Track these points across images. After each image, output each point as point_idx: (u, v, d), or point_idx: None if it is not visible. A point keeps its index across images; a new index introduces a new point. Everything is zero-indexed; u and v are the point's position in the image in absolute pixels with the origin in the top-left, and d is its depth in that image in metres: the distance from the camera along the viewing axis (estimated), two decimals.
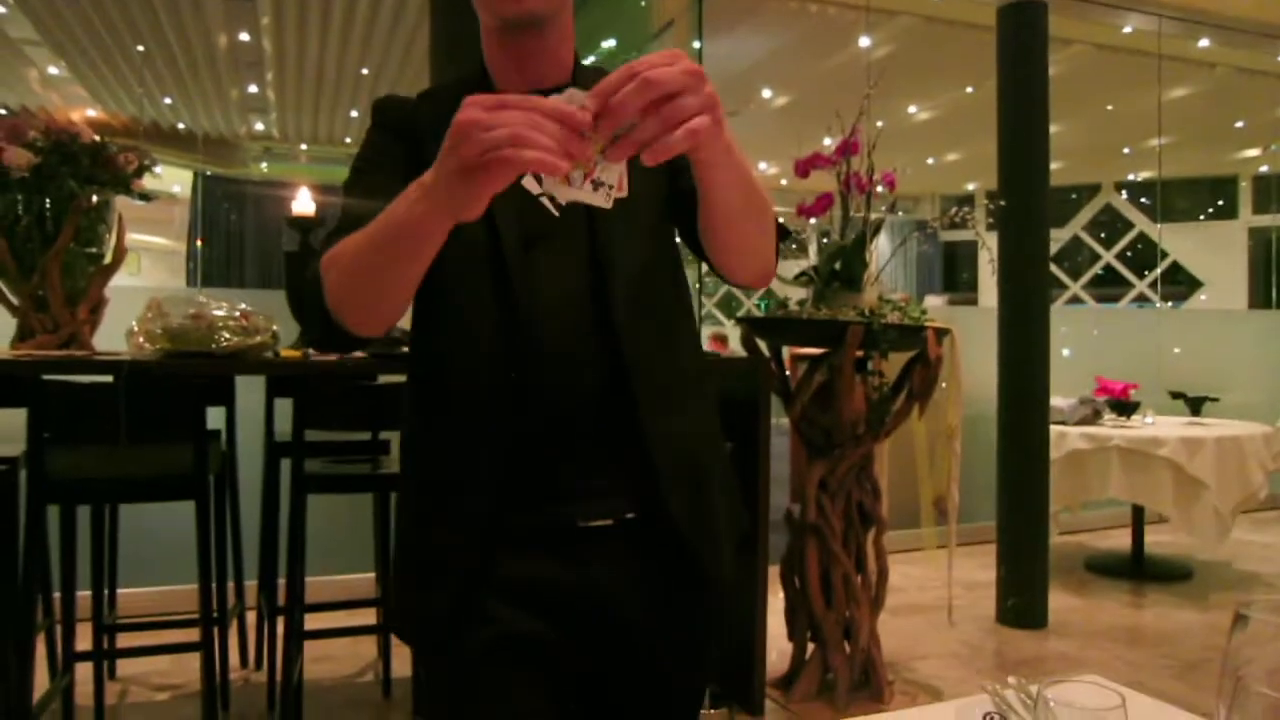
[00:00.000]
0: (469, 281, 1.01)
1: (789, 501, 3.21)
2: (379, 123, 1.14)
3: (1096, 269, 11.86)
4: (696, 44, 4.47)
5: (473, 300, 1.02)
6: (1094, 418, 4.44)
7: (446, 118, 0.92)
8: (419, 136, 1.07)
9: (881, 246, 3.48)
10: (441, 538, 1.04)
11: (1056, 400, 4.15)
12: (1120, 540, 4.94)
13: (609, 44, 5.62)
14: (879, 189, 2.91)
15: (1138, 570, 4.53)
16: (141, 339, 2.28)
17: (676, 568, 1.06)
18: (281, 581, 2.58)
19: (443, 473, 1.04)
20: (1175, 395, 5.01)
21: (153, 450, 2.26)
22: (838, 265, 2.85)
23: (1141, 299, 11.18)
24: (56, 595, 2.61)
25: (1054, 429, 4.03)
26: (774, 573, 2.84)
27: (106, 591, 2.80)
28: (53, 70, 7.86)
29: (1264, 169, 10.97)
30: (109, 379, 2.14)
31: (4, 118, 2.47)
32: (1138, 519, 4.56)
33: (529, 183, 0.77)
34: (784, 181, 11.43)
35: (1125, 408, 4.49)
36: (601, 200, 0.77)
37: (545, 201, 0.97)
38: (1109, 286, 11.67)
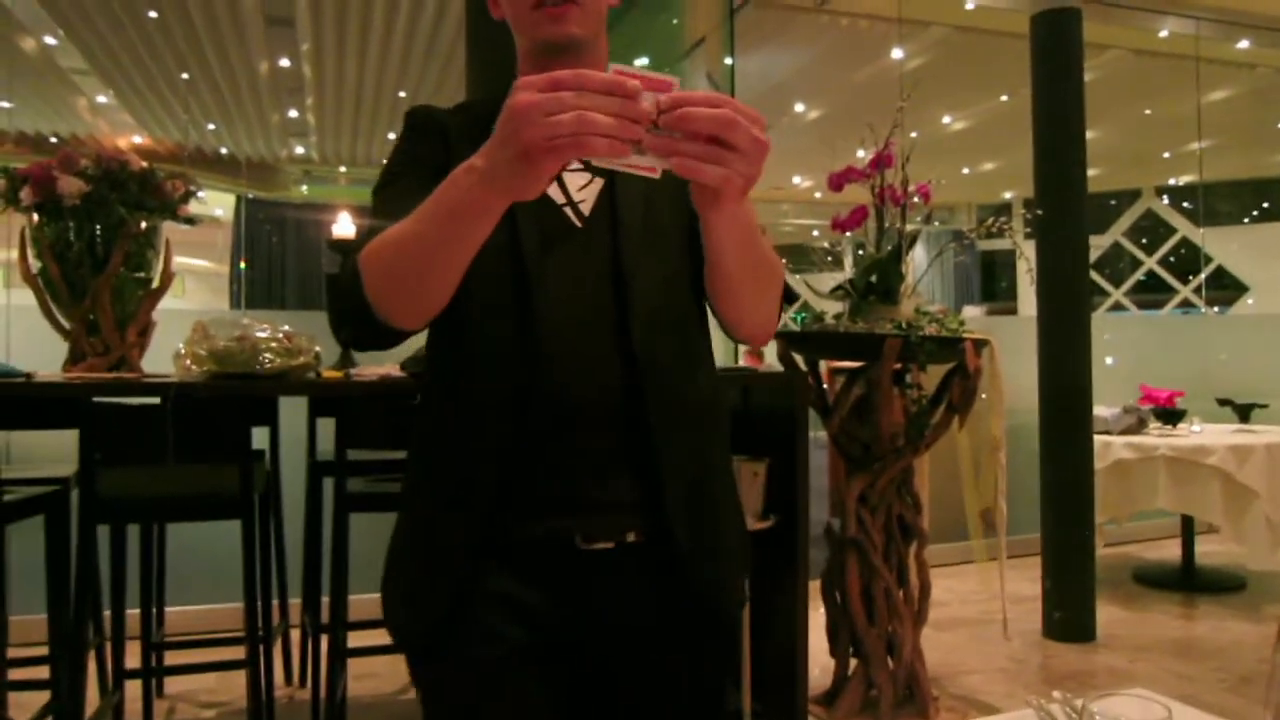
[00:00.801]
0: (487, 284, 1.00)
1: (828, 516, 3.19)
2: (412, 126, 1.14)
3: (1139, 275, 11.70)
4: (728, 60, 4.48)
5: (490, 303, 1.01)
6: (1139, 427, 4.36)
7: (481, 129, 0.93)
8: (450, 143, 1.09)
9: (918, 258, 3.46)
10: (440, 541, 1.03)
11: (1100, 409, 4.09)
12: (1169, 551, 4.85)
13: (641, 61, 5.66)
14: (914, 200, 2.90)
15: (1188, 582, 4.44)
16: (188, 361, 2.33)
17: (680, 598, 1.03)
18: (325, 599, 2.61)
19: (446, 476, 1.03)
20: (1223, 402, 4.92)
21: (199, 470, 2.31)
22: (874, 278, 2.84)
23: (1186, 305, 10.99)
24: (106, 614, 2.67)
25: (1098, 439, 3.97)
26: (814, 588, 2.82)
27: (155, 610, 2.85)
28: (101, 99, 8.07)
29: None
30: (157, 401, 2.19)
31: (58, 147, 2.54)
32: (1187, 529, 4.48)
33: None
34: (818, 195, 11.42)
35: (1171, 416, 4.42)
36: (648, 168, 0.76)
37: (576, 189, 1.06)
38: (1152, 293, 11.50)
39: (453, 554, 1.00)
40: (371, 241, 0.95)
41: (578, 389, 0.99)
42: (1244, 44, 6.23)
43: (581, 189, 1.08)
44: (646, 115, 0.74)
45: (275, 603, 2.86)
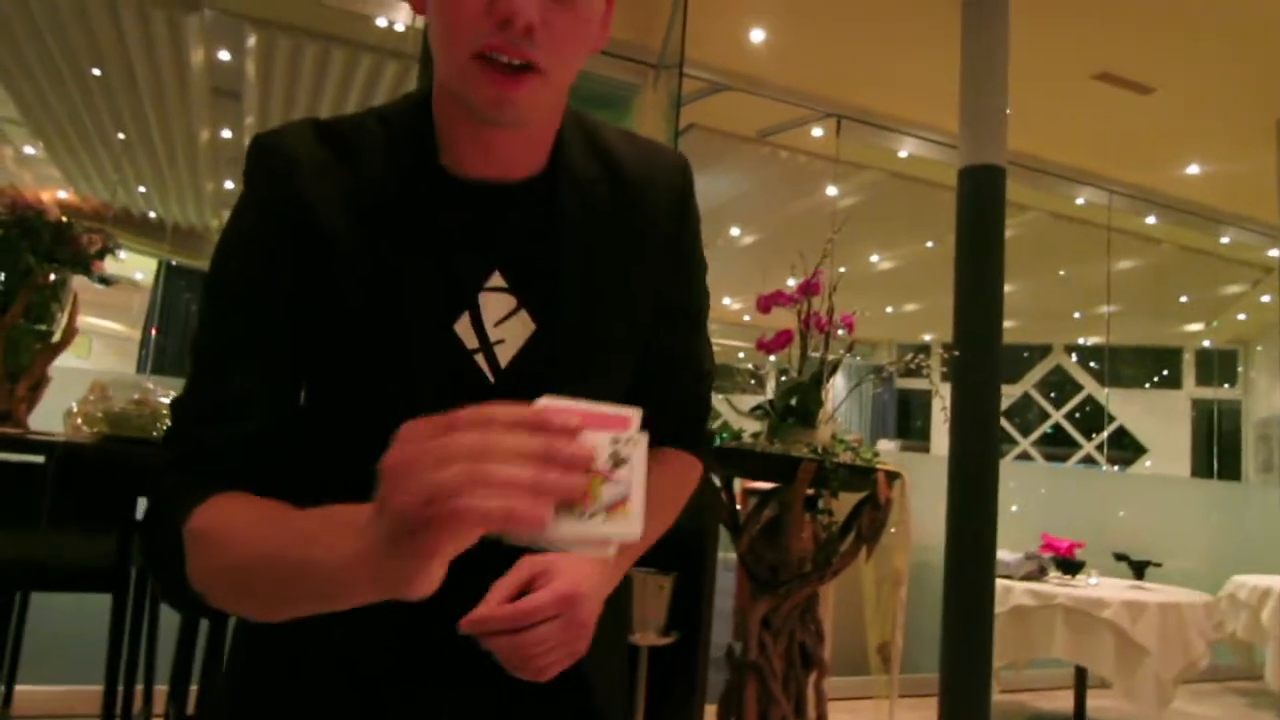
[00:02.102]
0: (366, 459, 0.64)
1: (731, 638, 3.14)
2: (259, 182, 0.83)
3: (1046, 427, 12.11)
4: None
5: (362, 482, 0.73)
6: (1039, 574, 4.43)
7: (359, 182, 0.79)
8: (310, 202, 0.80)
9: (838, 388, 3.52)
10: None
11: (1003, 554, 4.15)
12: (1063, 702, 4.87)
13: None
14: (839, 331, 2.96)
15: None
16: (80, 420, 2.22)
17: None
18: (194, 688, 2.44)
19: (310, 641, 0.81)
20: (1119, 557, 5.04)
21: (75, 537, 2.17)
22: (794, 401, 2.88)
23: (1088, 460, 11.38)
24: None
25: (1000, 583, 4.01)
26: (710, 712, 2.74)
27: (4, 687, 2.63)
28: (29, 150, 7.91)
29: (1206, 344, 11.39)
30: (40, 460, 2.07)
31: None
32: (1080, 681, 4.51)
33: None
34: (746, 317, 11.66)
35: (1070, 566, 4.50)
36: (607, 534, 0.55)
37: (492, 323, 0.83)
38: (1057, 445, 11.90)
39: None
40: (206, 517, 0.72)
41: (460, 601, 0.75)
42: (1152, 219, 6.64)
43: (501, 323, 0.85)
44: (587, 459, 0.53)
45: (139, 688, 2.66)
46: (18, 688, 2.74)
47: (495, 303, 0.84)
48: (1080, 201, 6.45)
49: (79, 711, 2.99)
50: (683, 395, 1.00)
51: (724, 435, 3.12)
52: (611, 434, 0.56)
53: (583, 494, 0.53)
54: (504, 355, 0.84)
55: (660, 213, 0.92)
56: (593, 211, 0.88)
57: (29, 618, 2.68)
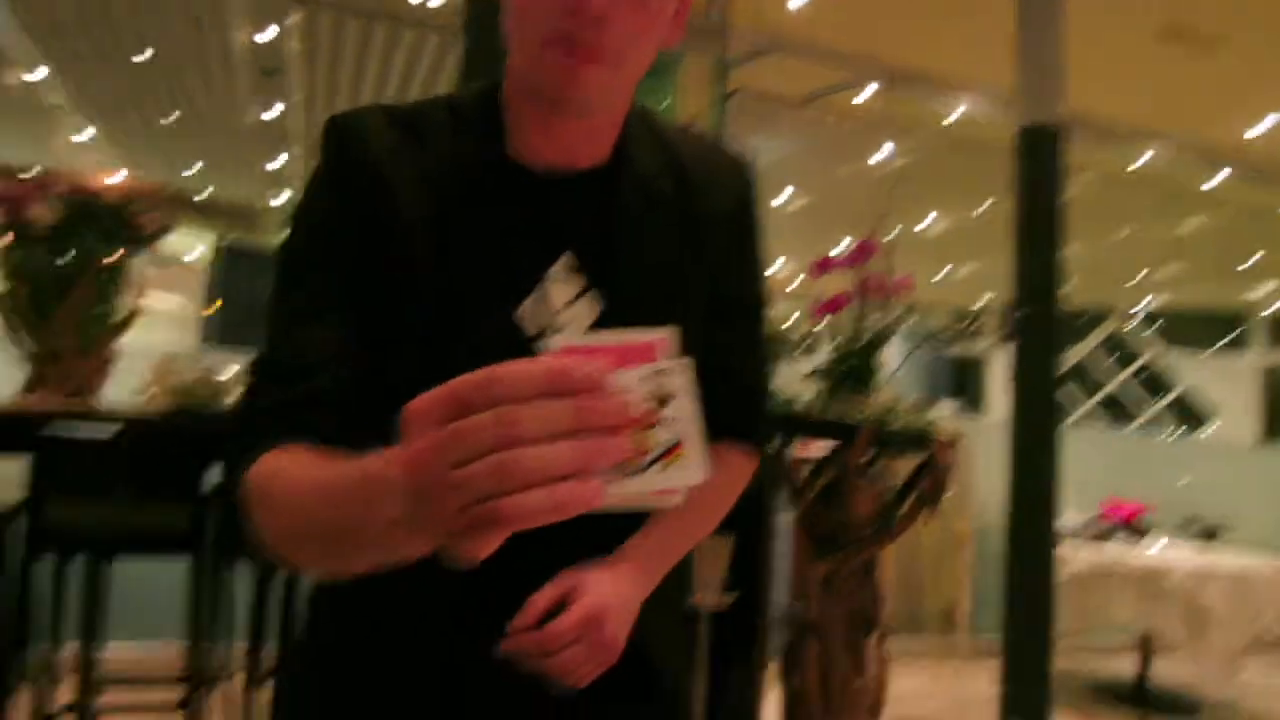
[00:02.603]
0: None
1: (790, 600, 3.14)
2: (332, 160, 0.86)
3: (1106, 392, 11.87)
4: None
5: None
6: (1102, 539, 4.37)
7: (430, 169, 0.83)
8: (384, 187, 0.83)
9: (892, 352, 3.48)
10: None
11: (1064, 519, 4.10)
12: (1127, 667, 4.81)
13: None
14: (894, 294, 2.93)
15: (1143, 700, 4.40)
16: (148, 395, 2.28)
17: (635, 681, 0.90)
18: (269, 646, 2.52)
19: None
20: (1186, 523, 4.94)
21: (151, 505, 2.24)
22: (850, 366, 2.85)
23: (1150, 425, 11.15)
24: (42, 647, 2.56)
25: (1061, 548, 3.96)
26: (770, 671, 2.75)
27: (93, 647, 2.73)
28: (84, 136, 8.07)
29: (1277, 305, 11.04)
30: (112, 432, 2.13)
31: (32, 176, 2.53)
32: (1145, 646, 4.45)
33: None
34: (797, 281, 11.56)
35: (1134, 531, 4.43)
36: (668, 485, 0.49)
37: (558, 305, 0.84)
38: (1118, 410, 11.66)
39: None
40: (267, 467, 0.73)
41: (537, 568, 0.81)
42: (1221, 177, 6.43)
43: (567, 307, 0.86)
44: (625, 413, 0.46)
45: (218, 647, 2.75)
46: (108, 643, 2.85)
47: (560, 287, 0.86)
48: (1143, 160, 6.27)
49: (162, 669, 3.09)
50: (740, 388, 0.98)
51: (776, 400, 3.11)
52: (647, 367, 0.49)
53: (630, 452, 0.46)
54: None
55: (721, 210, 0.94)
56: (654, 203, 0.90)
57: (113, 581, 2.79)
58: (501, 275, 0.84)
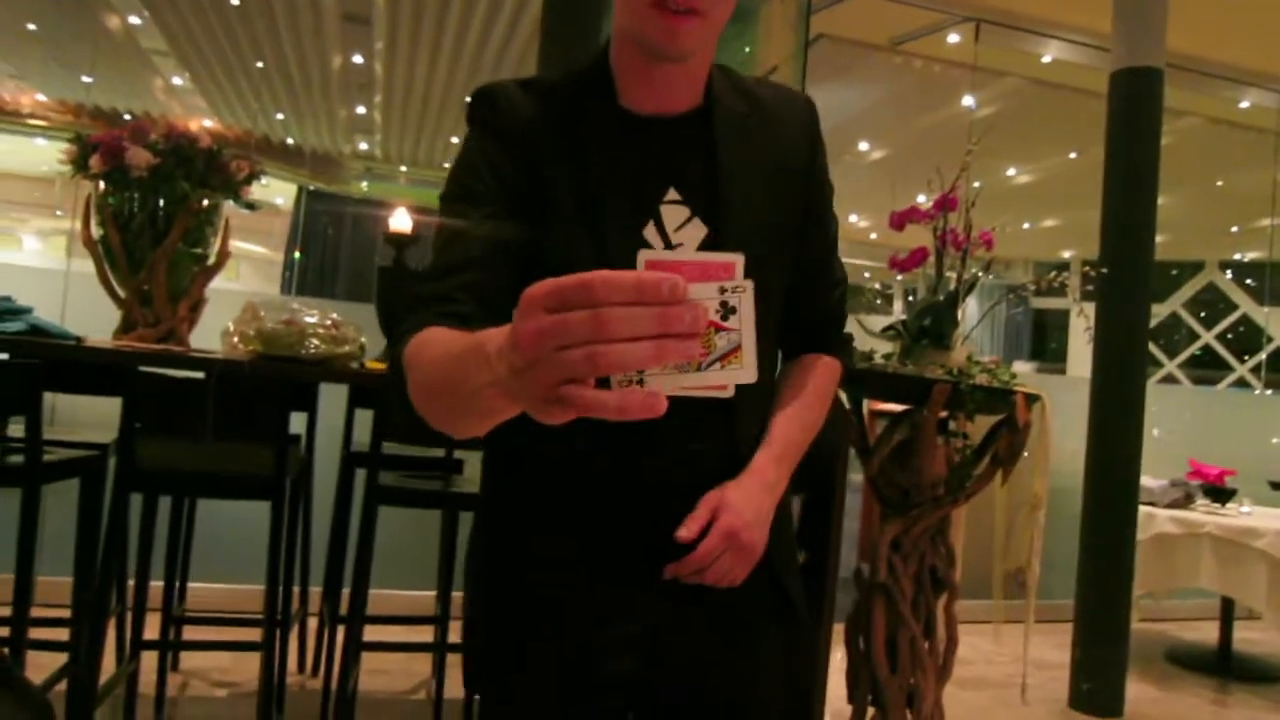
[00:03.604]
0: None
1: (858, 560, 3.13)
2: (480, 121, 1.07)
3: (1195, 349, 11.45)
4: None
5: None
6: (1185, 501, 4.24)
7: (560, 123, 1.00)
8: (526, 138, 1.03)
9: (971, 307, 3.40)
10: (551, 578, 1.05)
11: (1146, 480, 3.99)
12: (1207, 633, 4.70)
13: None
14: (976, 248, 2.85)
15: (1224, 667, 4.30)
16: (235, 339, 2.34)
17: (770, 604, 1.12)
18: (346, 591, 2.60)
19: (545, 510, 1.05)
20: (1276, 486, 4.77)
21: (236, 448, 2.31)
22: (928, 321, 2.79)
23: (1241, 383, 10.74)
24: (130, 583, 2.68)
25: (1142, 509, 3.86)
26: (838, 631, 2.76)
27: (178, 584, 2.86)
28: (177, 80, 8.25)
29: None
30: (201, 375, 2.20)
31: (129, 121, 2.59)
32: (1227, 612, 4.34)
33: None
34: (873, 235, 11.35)
35: (1220, 494, 4.29)
36: (717, 385, 0.60)
37: (673, 229, 1.00)
38: (1207, 368, 11.25)
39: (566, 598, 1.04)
40: (413, 342, 0.87)
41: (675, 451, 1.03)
42: None
43: (679, 229, 1.03)
44: (701, 321, 0.54)
45: (296, 589, 2.85)
46: (190, 585, 2.98)
47: (673, 213, 1.03)
48: (1244, 105, 5.96)
49: (243, 608, 3.23)
50: (824, 300, 1.21)
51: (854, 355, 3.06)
52: (719, 283, 0.58)
53: (699, 353, 0.56)
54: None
55: (796, 139, 1.14)
56: (743, 135, 1.08)
57: (197, 522, 2.90)
58: (624, 204, 1.02)
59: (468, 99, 1.09)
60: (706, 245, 1.01)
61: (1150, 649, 4.54)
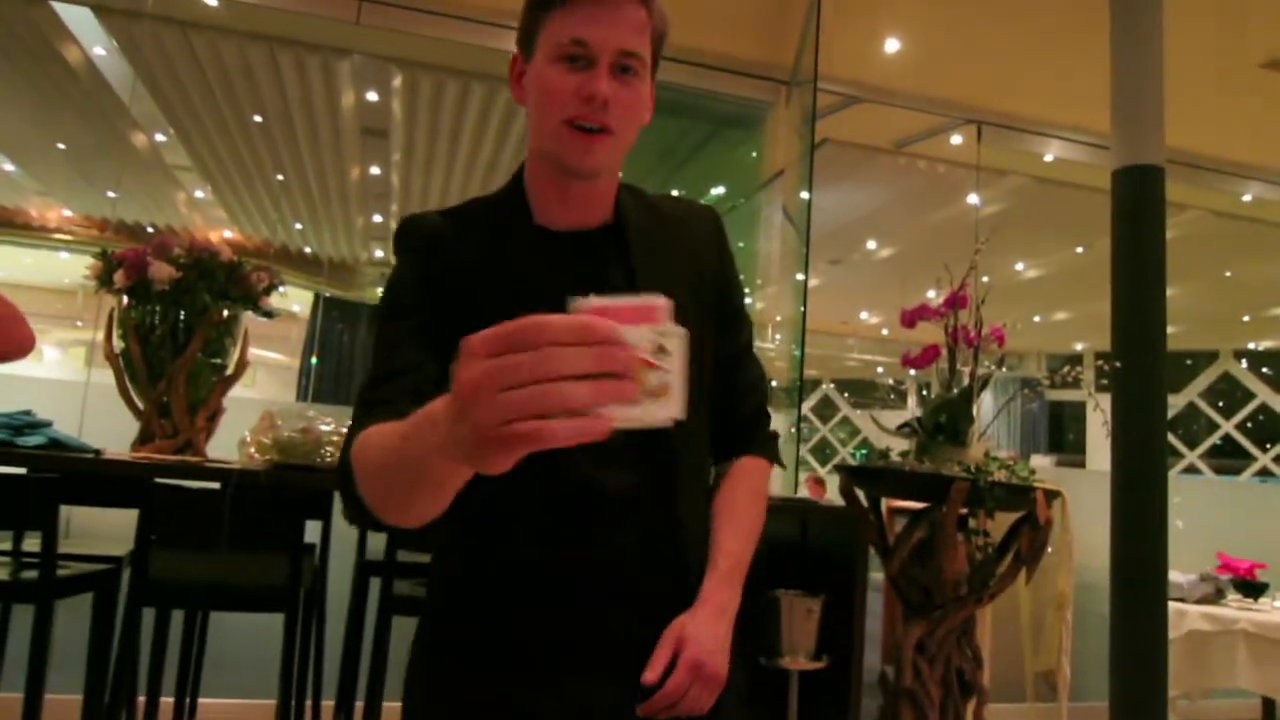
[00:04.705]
0: None
1: (881, 662, 3.05)
2: (407, 248, 1.13)
3: (1214, 439, 11.33)
4: (805, 194, 4.57)
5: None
6: (1216, 597, 4.14)
7: (481, 241, 1.07)
8: (449, 256, 1.09)
9: (986, 403, 3.39)
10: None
11: (1174, 575, 3.90)
12: None
13: (718, 191, 5.78)
14: (989, 343, 2.86)
15: None
16: (253, 449, 2.35)
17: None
18: (359, 704, 2.55)
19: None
20: None
21: (250, 559, 2.30)
22: (943, 418, 2.79)
23: (1264, 473, 10.58)
24: (140, 699, 2.63)
25: (1172, 606, 3.77)
26: None
27: (189, 700, 2.80)
28: (199, 194, 8.49)
29: None
30: (217, 485, 2.20)
31: (154, 236, 2.66)
32: (1268, 714, 4.19)
33: None
34: (885, 331, 11.40)
35: (1252, 588, 4.19)
36: (654, 417, 0.62)
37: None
38: (1228, 458, 11.10)
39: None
40: (359, 439, 0.91)
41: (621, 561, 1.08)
42: None
43: None
44: (635, 361, 0.59)
45: (309, 703, 2.79)
46: (200, 700, 2.92)
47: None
48: (1247, 198, 6.04)
49: None
50: (745, 400, 1.25)
51: (861, 453, 3.05)
52: (652, 326, 0.62)
53: (635, 391, 0.59)
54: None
55: (704, 248, 1.21)
56: (655, 246, 1.15)
57: (209, 632, 2.86)
58: (545, 307, 0.98)
59: (395, 231, 1.15)
60: None
61: None
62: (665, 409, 0.62)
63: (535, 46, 1.08)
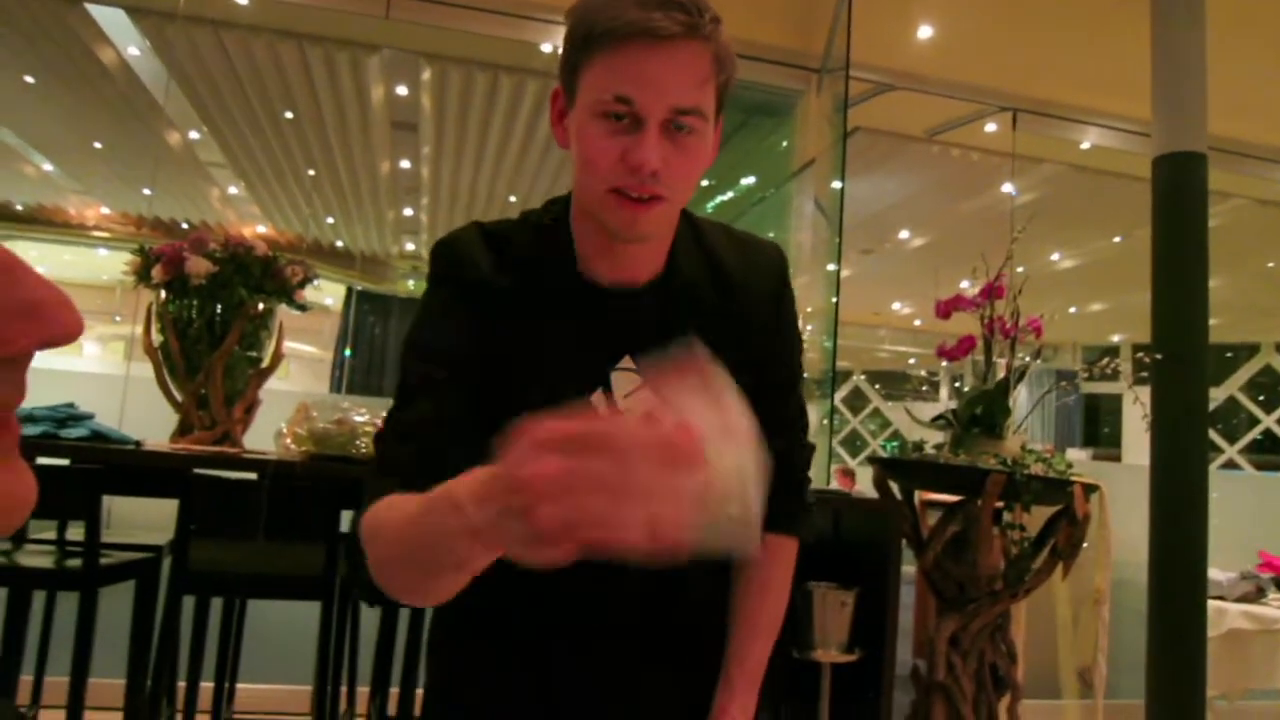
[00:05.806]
0: None
1: (913, 656, 3.04)
2: (443, 278, 1.04)
3: (1255, 433, 11.13)
4: (837, 184, 4.54)
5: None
6: (1257, 595, 4.07)
7: (519, 287, 1.01)
8: (485, 298, 1.01)
9: (1021, 394, 3.36)
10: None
11: (1214, 572, 3.84)
12: None
13: (748, 180, 5.76)
14: (1025, 335, 2.83)
15: None
16: (289, 440, 2.38)
17: None
18: (394, 690, 2.57)
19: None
20: None
21: (287, 548, 2.32)
22: (979, 410, 2.76)
23: None
24: (180, 684, 2.67)
25: (1212, 604, 3.71)
26: None
27: (228, 685, 2.84)
28: (232, 190, 8.59)
29: None
30: (254, 476, 2.23)
31: (188, 233, 2.69)
32: None
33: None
34: (917, 322, 11.31)
35: None
36: (737, 544, 0.58)
37: (622, 396, 1.03)
38: (1270, 453, 10.91)
39: None
40: (372, 512, 0.85)
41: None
42: None
43: (628, 396, 1.03)
44: (719, 489, 0.56)
45: (344, 689, 2.82)
46: (239, 685, 2.96)
47: (624, 380, 1.03)
48: None
49: (291, 709, 3.19)
50: (784, 481, 1.09)
51: (892, 445, 3.02)
52: (735, 448, 0.57)
53: (714, 517, 0.55)
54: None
55: (759, 304, 1.10)
56: (701, 305, 1.06)
57: (247, 620, 2.90)
58: (579, 368, 1.02)
59: (431, 251, 1.07)
60: None
61: None
62: (741, 540, 0.58)
63: (577, 91, 0.95)
